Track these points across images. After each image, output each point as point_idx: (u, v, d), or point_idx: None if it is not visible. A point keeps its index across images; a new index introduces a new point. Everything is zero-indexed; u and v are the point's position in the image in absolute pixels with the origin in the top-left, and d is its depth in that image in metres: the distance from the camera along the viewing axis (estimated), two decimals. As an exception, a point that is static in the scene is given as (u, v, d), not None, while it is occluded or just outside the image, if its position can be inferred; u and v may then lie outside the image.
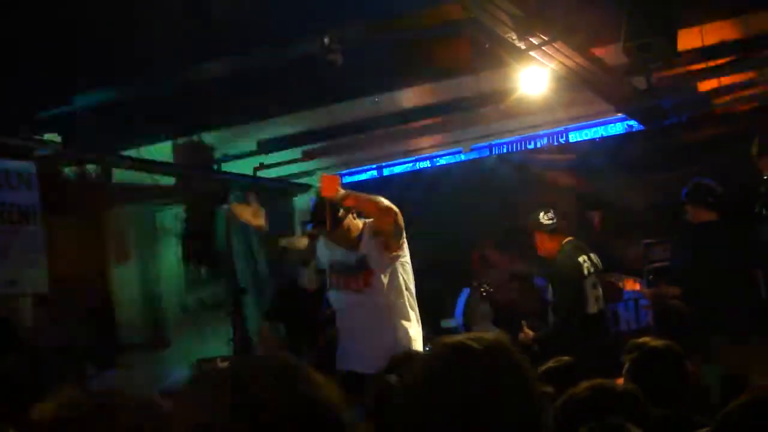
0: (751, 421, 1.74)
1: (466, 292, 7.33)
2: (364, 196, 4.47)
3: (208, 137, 7.85)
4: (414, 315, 4.49)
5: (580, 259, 5.90)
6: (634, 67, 5.73)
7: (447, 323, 7.55)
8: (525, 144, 7.95)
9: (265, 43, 5.96)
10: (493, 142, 8.09)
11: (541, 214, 6.04)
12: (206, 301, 8.88)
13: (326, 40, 5.36)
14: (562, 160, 7.74)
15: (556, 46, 5.16)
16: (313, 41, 5.51)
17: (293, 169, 8.46)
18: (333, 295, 4.67)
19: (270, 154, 7.99)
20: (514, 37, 4.92)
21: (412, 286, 4.51)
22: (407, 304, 4.46)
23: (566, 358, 3.93)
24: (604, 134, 7.66)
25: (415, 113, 7.43)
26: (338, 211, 4.32)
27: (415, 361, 2.85)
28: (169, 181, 8.17)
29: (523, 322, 6.08)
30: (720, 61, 6.19)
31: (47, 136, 6.86)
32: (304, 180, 8.75)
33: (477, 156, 8.22)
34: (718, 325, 5.38)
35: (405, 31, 5.79)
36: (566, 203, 6.92)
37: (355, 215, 4.48)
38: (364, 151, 8.34)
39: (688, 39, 5.73)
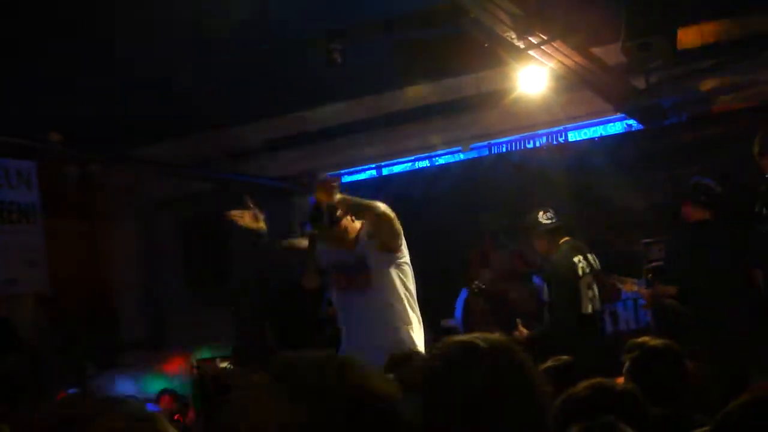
0: (751, 421, 1.74)
1: (465, 292, 7.33)
2: (359, 201, 4.45)
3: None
4: (415, 316, 4.48)
5: (575, 259, 5.92)
6: (633, 67, 5.73)
7: (447, 323, 7.55)
8: (524, 143, 7.95)
9: (266, 43, 5.97)
10: (492, 142, 8.08)
11: (540, 213, 6.05)
12: (207, 301, 8.89)
13: (327, 40, 5.37)
14: (562, 159, 7.73)
15: (555, 45, 5.16)
16: (313, 41, 5.52)
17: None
18: (333, 295, 4.67)
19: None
20: (514, 36, 4.92)
21: (412, 288, 4.50)
22: (407, 305, 4.45)
23: (565, 357, 3.92)
24: (604, 133, 7.65)
25: (415, 112, 7.43)
26: (335, 212, 4.31)
27: (414, 361, 2.86)
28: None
29: (518, 321, 6.10)
30: (720, 61, 6.19)
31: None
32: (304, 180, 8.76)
33: (476, 155, 8.21)
34: (717, 325, 5.38)
35: (405, 31, 5.80)
36: (565, 203, 6.91)
37: (353, 218, 4.48)
38: (363, 151, 8.35)
39: (688, 38, 5.73)
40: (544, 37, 5.03)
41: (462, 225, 7.88)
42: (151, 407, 7.61)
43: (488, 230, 7.96)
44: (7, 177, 6.40)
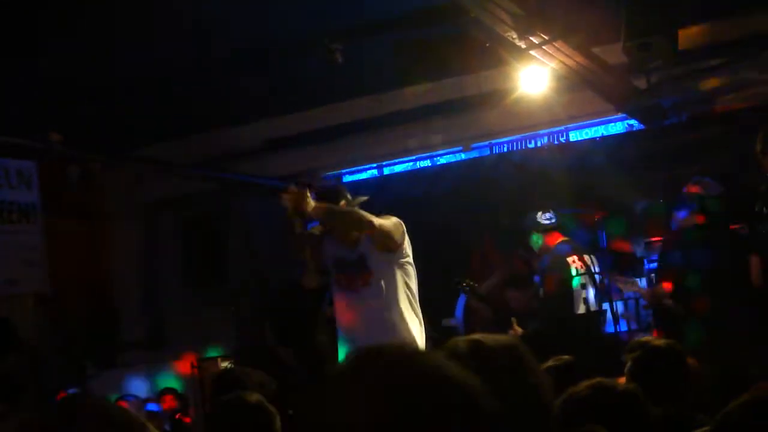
0: (751, 421, 1.74)
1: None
2: (339, 211, 4.41)
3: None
4: (416, 316, 4.48)
5: (569, 259, 5.93)
6: (634, 67, 5.73)
7: (447, 322, 7.55)
8: (525, 143, 7.94)
9: (266, 43, 5.97)
10: (493, 141, 8.07)
11: (539, 213, 6.07)
12: (207, 301, 8.89)
13: (327, 40, 5.37)
14: (563, 159, 7.73)
15: (556, 45, 5.16)
16: (313, 41, 5.52)
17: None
18: (335, 294, 4.67)
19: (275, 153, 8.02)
20: (515, 36, 4.91)
21: (414, 288, 4.49)
22: (408, 305, 4.45)
23: (566, 357, 3.92)
24: (605, 133, 7.65)
25: (416, 112, 7.42)
26: (303, 222, 4.30)
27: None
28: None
29: (513, 320, 6.11)
30: (720, 61, 6.19)
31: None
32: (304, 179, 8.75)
33: (477, 155, 8.21)
34: (716, 325, 5.38)
35: (405, 31, 5.80)
36: (565, 202, 6.91)
37: (328, 228, 4.47)
38: (364, 151, 8.35)
39: (688, 38, 5.72)
40: (545, 37, 5.02)
41: (463, 225, 7.87)
42: (152, 407, 7.63)
43: (489, 230, 7.96)
44: (7, 177, 6.40)
